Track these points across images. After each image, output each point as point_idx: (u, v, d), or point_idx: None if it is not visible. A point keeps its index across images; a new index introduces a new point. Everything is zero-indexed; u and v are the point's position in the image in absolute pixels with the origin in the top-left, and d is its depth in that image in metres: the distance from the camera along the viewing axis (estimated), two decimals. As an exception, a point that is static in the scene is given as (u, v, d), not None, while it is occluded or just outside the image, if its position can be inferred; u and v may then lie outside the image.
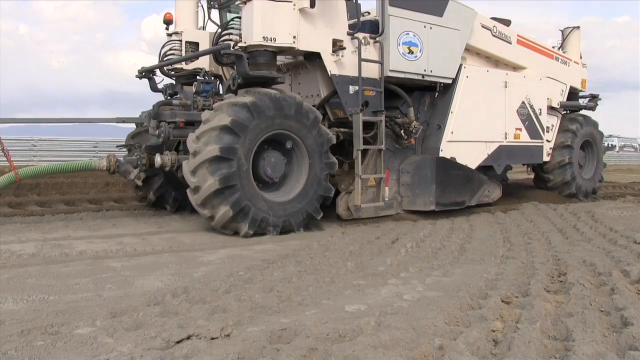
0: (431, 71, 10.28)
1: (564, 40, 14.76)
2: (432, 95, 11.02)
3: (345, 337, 3.62)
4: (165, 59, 10.41)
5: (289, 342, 3.53)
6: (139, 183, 9.44)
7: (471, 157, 11.06)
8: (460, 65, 10.92)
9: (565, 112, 14.18)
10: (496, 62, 12.29)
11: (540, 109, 12.63)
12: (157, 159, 8.85)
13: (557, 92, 13.46)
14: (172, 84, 10.77)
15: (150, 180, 10.05)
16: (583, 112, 14.89)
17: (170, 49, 10.29)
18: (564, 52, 14.25)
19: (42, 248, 6.80)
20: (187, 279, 5.36)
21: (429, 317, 4.04)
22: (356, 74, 9.21)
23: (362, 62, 9.29)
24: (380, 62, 9.62)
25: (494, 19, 12.27)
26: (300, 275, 5.46)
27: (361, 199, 9.33)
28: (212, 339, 3.57)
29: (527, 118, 12.29)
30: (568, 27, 14.82)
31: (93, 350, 3.41)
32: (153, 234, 8.09)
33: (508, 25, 12.55)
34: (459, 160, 10.80)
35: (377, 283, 5.23)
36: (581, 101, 14.88)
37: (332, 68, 9.04)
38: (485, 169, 11.62)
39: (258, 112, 7.93)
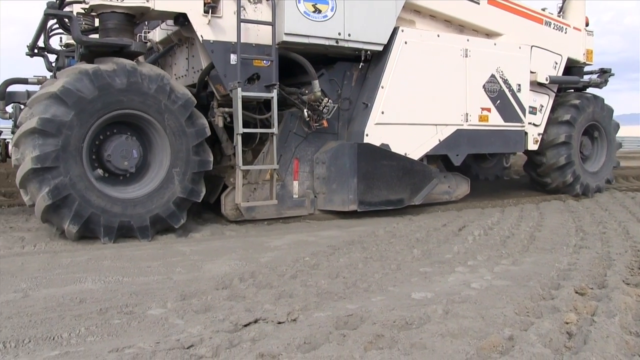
0: (349, 35, 7.67)
1: (564, 1, 11.38)
2: (362, 67, 8.32)
3: (412, 325, 3.34)
4: (51, 33, 8.97)
5: (355, 328, 3.33)
6: None
7: (413, 144, 8.43)
8: (396, 29, 8.20)
9: (561, 90, 11.13)
10: (460, 27, 9.36)
11: (520, 85, 9.62)
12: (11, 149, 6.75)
13: (546, 65, 10.29)
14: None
15: None
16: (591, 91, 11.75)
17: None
18: (561, 17, 11.10)
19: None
20: (253, 263, 5.14)
21: (498, 307, 3.69)
22: (241, 40, 6.94)
23: (247, 25, 7.04)
24: (272, 24, 7.09)
25: None
26: (366, 262, 5.16)
27: (255, 196, 7.40)
28: (279, 323, 3.41)
29: (499, 96, 9.35)
30: None
31: (165, 330, 3.32)
32: (219, 220, 7.53)
33: None
34: (393, 148, 8.19)
35: (444, 271, 4.83)
36: (587, 78, 11.75)
37: (204, 33, 6.88)
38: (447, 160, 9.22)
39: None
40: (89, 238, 6.18)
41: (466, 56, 8.95)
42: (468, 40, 9.04)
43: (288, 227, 7.23)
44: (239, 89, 6.81)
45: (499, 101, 9.40)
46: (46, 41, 9.03)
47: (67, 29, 7.63)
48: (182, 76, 8.25)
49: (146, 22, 8.65)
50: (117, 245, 6.03)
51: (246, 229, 7.10)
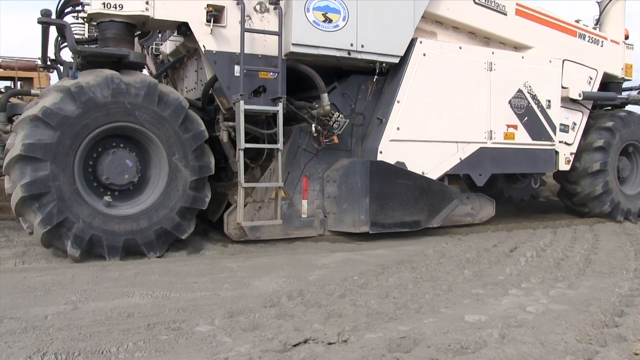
0: (362, 46, 7.22)
1: (601, 13, 10.49)
2: (378, 81, 7.81)
3: (467, 349, 3.18)
4: (62, 45, 8.55)
5: (409, 351, 3.19)
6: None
7: (431, 162, 7.87)
8: (414, 40, 7.69)
9: (596, 106, 10.35)
10: (486, 40, 8.78)
11: (550, 101, 8.98)
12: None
13: (579, 80, 9.55)
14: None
15: None
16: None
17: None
18: (597, 29, 10.34)
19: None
20: (301, 281, 5.03)
21: (558, 332, 3.50)
22: (246, 51, 6.60)
23: (253, 35, 6.67)
24: (278, 34, 6.70)
25: None
26: (417, 282, 5.00)
27: (259, 215, 6.94)
28: (329, 344, 3.27)
29: (527, 112, 8.73)
30: None
31: (212, 348, 3.21)
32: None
33: None
34: (410, 167, 7.64)
35: (497, 293, 4.63)
36: (626, 94, 10.92)
37: (206, 43, 6.55)
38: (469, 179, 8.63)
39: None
40: (136, 252, 6.22)
41: (490, 70, 8.40)
42: (493, 53, 8.47)
43: (335, 245, 7.02)
44: (242, 102, 6.47)
45: (526, 118, 8.76)
46: (57, 53, 8.77)
47: (63, 36, 7.23)
48: (192, 89, 8.01)
49: (159, 34, 8.47)
50: (164, 260, 6.01)
51: (294, 246, 6.94)
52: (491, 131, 8.42)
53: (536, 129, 8.89)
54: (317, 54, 7.00)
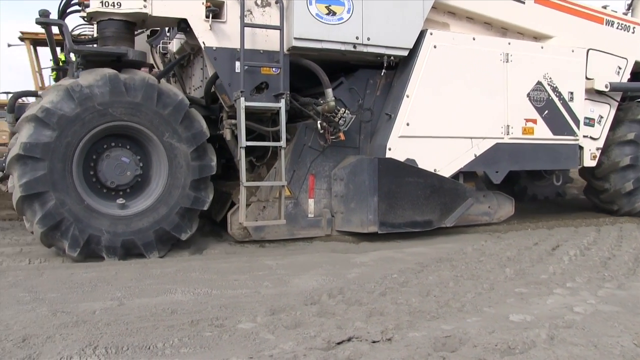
0: (368, 39, 6.95)
1: None
2: (386, 75, 7.46)
3: (515, 349, 3.12)
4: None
5: (454, 350, 3.15)
6: (4, 189, 7.43)
7: (443, 159, 7.53)
8: (424, 32, 7.37)
9: (625, 98, 9.70)
10: (503, 30, 8.30)
11: (572, 93, 8.44)
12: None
13: (606, 70, 8.94)
14: None
15: None
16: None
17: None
18: (629, 14, 9.70)
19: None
20: (341, 279, 5.01)
21: (611, 335, 3.41)
22: (246, 47, 6.41)
23: (254, 30, 6.53)
24: (279, 28, 6.52)
25: None
26: (457, 281, 4.94)
27: (264, 215, 6.76)
28: (374, 342, 3.25)
29: (547, 105, 8.22)
30: None
31: (256, 345, 3.22)
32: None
33: None
34: (421, 164, 7.32)
35: (541, 292, 4.52)
36: None
37: (206, 39, 6.41)
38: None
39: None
40: (176, 250, 6.27)
41: (507, 61, 7.96)
42: (509, 43, 8.01)
43: (373, 244, 6.94)
44: (242, 99, 6.29)
45: (546, 111, 8.25)
46: (66, 53, 8.69)
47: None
48: (198, 87, 7.90)
49: (167, 33, 8.37)
50: (204, 257, 6.08)
51: (334, 244, 6.90)
52: (508, 126, 8.03)
53: (557, 123, 8.38)
54: (321, 48, 6.80)
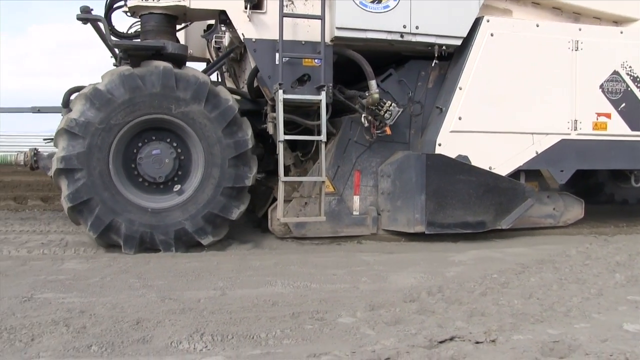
0: (417, 28, 6.52)
1: None
2: (439, 66, 7.02)
3: None
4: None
5: (563, 357, 3.04)
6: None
7: (500, 156, 6.96)
8: (480, 19, 6.82)
9: None
10: (576, 15, 7.50)
11: None
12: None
13: None
14: None
15: None
16: None
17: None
18: None
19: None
20: (439, 277, 5.00)
21: None
22: (286, 37, 6.22)
23: (296, 20, 6.29)
24: (321, 18, 6.21)
25: None
26: (561, 284, 4.80)
27: (306, 211, 6.58)
28: (477, 343, 3.21)
29: (625, 98, 7.33)
30: None
31: (357, 340, 3.24)
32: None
33: None
34: (474, 161, 6.84)
35: None
36: None
37: (245, 30, 6.25)
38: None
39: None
40: (273, 243, 6.45)
41: (576, 49, 7.16)
42: (580, 29, 7.23)
43: (472, 243, 6.71)
44: (280, 92, 6.07)
45: (623, 104, 7.34)
46: (110, 50, 8.69)
47: (114, 33, 7.24)
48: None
49: (221, 27, 8.67)
50: (302, 251, 6.22)
51: (431, 242, 6.80)
52: (576, 121, 7.25)
53: (637, 117, 7.45)
54: (366, 38, 6.45)
